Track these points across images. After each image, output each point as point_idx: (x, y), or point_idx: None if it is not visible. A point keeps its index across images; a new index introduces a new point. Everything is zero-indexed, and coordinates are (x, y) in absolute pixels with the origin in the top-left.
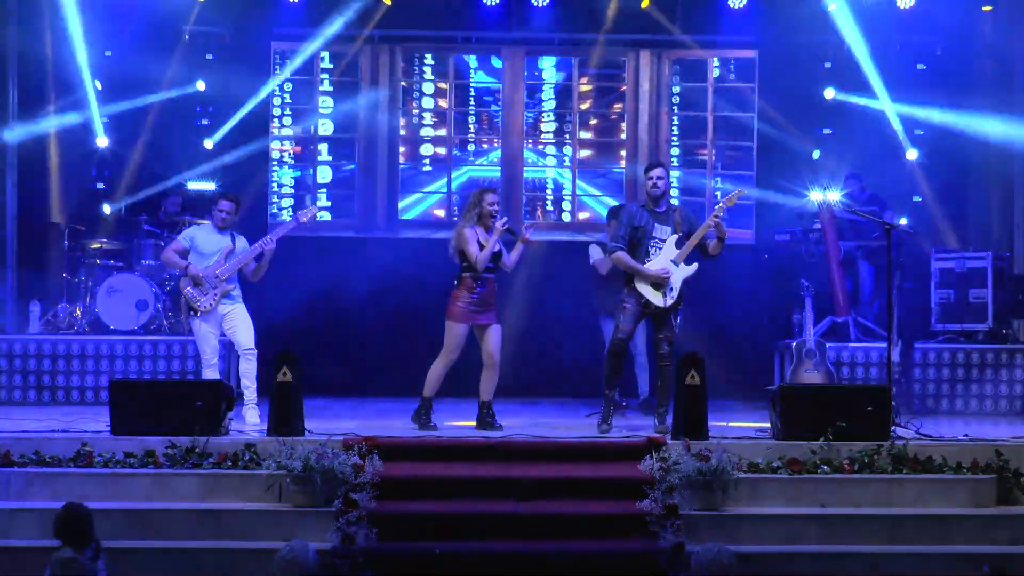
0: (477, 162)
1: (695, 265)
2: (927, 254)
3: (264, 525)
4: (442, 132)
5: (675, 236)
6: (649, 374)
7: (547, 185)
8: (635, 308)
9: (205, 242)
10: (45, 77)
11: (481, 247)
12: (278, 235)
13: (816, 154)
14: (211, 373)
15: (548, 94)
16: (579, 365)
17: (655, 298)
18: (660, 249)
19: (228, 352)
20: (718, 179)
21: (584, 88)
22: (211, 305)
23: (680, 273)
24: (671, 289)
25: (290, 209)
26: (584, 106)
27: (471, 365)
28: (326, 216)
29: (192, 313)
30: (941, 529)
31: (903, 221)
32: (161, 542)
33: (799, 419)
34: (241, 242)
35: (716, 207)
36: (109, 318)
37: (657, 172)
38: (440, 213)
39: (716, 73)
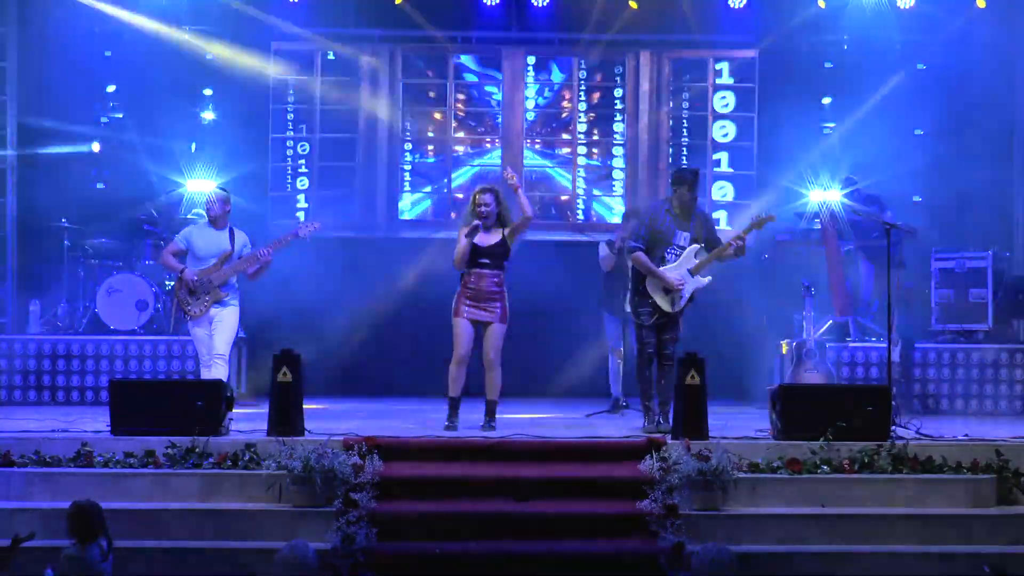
0: (477, 162)
1: (709, 278)
2: (927, 254)
3: (264, 525)
4: (442, 132)
5: (696, 247)
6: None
7: (547, 185)
8: (651, 320)
9: (201, 242)
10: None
11: (472, 246)
12: (278, 247)
13: (832, 156)
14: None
15: (548, 94)
16: (580, 365)
17: (664, 303)
18: (677, 256)
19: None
20: (724, 184)
21: (584, 88)
22: (201, 311)
23: (693, 284)
24: (682, 298)
25: (290, 209)
26: (584, 106)
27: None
28: (301, 213)
29: (184, 316)
30: (941, 529)
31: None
32: (161, 542)
33: (799, 419)
34: (240, 238)
35: (743, 229)
36: (109, 318)
37: (695, 184)
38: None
39: (715, 73)
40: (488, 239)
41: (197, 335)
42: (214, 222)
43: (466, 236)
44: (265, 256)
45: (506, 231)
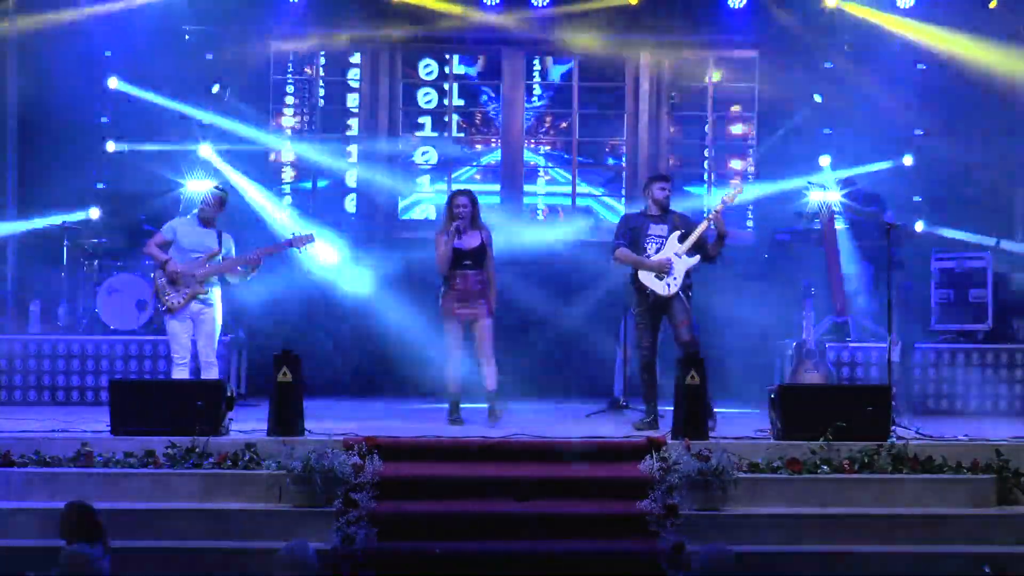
0: (477, 162)
1: (697, 257)
2: (927, 254)
3: (264, 525)
4: (442, 132)
5: (677, 232)
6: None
7: (547, 185)
8: (648, 319)
9: (187, 236)
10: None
11: (454, 250)
12: (268, 253)
13: (827, 160)
14: (180, 373)
15: (548, 94)
16: (581, 365)
17: (658, 287)
18: (657, 245)
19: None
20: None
21: (584, 88)
22: (178, 303)
23: (682, 264)
24: (674, 278)
25: (288, 207)
26: (583, 106)
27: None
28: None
29: (161, 307)
30: (941, 529)
31: (920, 226)
32: (161, 542)
33: (799, 419)
34: (227, 242)
35: (716, 203)
36: (109, 318)
37: (665, 183)
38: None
39: (716, 74)
40: (469, 242)
41: (173, 329)
42: (205, 220)
43: (446, 240)
44: (254, 260)
45: (483, 233)
